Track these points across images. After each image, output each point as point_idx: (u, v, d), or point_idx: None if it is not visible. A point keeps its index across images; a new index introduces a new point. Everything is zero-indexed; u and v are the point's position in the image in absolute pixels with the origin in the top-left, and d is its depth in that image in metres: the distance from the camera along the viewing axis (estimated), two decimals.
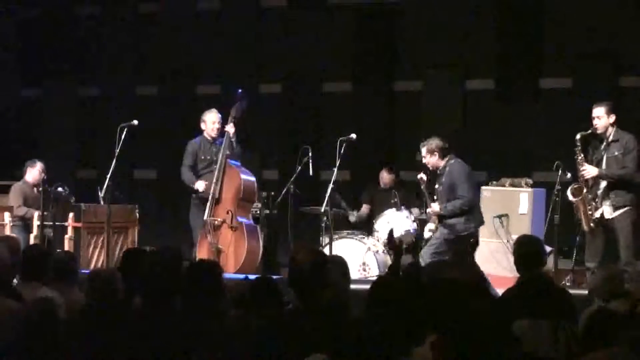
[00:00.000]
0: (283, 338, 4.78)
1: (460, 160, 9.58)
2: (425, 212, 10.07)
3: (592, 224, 9.42)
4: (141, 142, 13.18)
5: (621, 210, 9.35)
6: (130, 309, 5.49)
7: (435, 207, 9.51)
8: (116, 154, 10.40)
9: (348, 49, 13.52)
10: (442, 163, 9.51)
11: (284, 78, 13.84)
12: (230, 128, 10.55)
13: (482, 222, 9.71)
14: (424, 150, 9.55)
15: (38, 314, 4.77)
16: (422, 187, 9.73)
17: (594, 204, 9.43)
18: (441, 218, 9.48)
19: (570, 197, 9.53)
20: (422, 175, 9.68)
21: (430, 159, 9.51)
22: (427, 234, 9.73)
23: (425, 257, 9.30)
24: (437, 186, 9.59)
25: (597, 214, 9.42)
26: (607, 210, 9.40)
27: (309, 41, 13.57)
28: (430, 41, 12.90)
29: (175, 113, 14.00)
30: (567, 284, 10.08)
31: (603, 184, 9.44)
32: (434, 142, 9.51)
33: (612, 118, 9.44)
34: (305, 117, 13.63)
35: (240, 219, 10.43)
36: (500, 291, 6.53)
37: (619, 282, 6.08)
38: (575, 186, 9.53)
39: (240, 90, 10.83)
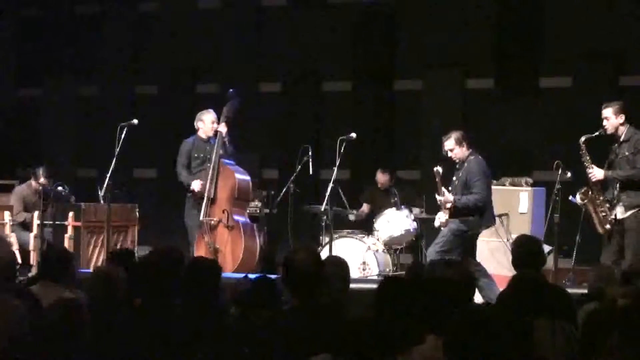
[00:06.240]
0: (281, 337, 4.78)
1: (480, 157, 9.43)
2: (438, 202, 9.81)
3: (608, 226, 9.22)
4: (141, 142, 13.18)
5: (632, 211, 9.12)
6: (131, 308, 5.49)
7: (449, 196, 9.32)
8: (116, 154, 10.40)
9: (348, 49, 13.52)
10: (466, 154, 9.42)
11: (284, 78, 13.84)
12: (222, 128, 10.50)
13: (492, 221, 9.64)
14: (451, 143, 9.36)
15: (61, 315, 4.72)
16: (437, 179, 9.38)
17: (607, 205, 9.26)
18: (451, 214, 9.37)
19: (578, 201, 9.43)
20: (438, 168, 9.46)
21: (458, 150, 9.36)
22: (436, 223, 9.58)
23: (431, 255, 9.25)
24: (454, 178, 9.46)
25: (613, 215, 9.21)
26: (619, 211, 9.16)
27: (309, 41, 13.57)
28: (430, 40, 12.90)
29: (175, 112, 13.99)
30: (567, 283, 10.08)
31: (619, 184, 9.23)
32: (459, 133, 9.39)
33: (621, 118, 9.24)
34: (305, 117, 13.63)
35: (236, 218, 10.41)
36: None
37: (612, 280, 6.07)
38: (582, 190, 9.42)
39: (231, 90, 10.77)
